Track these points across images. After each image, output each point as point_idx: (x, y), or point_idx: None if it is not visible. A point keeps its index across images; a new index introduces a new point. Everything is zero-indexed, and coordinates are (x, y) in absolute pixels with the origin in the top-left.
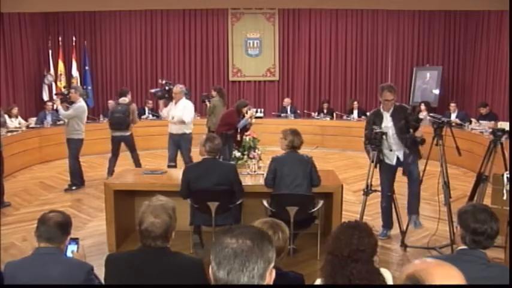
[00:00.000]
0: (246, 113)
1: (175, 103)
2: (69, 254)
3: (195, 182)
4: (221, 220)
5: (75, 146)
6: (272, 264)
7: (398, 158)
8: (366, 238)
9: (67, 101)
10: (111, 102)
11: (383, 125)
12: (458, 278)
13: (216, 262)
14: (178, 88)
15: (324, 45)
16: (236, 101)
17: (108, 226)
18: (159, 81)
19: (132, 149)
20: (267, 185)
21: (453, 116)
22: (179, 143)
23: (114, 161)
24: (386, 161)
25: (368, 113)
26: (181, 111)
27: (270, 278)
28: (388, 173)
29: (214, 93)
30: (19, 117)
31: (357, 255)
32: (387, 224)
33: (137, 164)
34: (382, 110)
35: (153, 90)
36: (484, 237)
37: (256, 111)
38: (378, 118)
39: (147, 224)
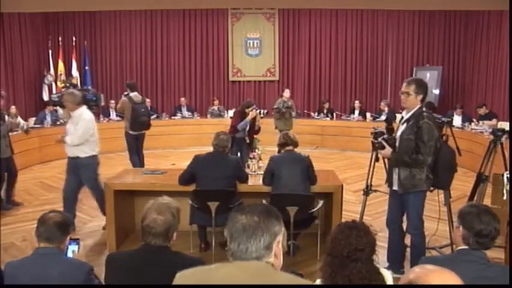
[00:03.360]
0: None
1: (71, 114)
2: (69, 254)
3: (204, 170)
4: (221, 220)
5: None
6: (279, 237)
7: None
8: (364, 237)
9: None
10: (124, 100)
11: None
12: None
13: (229, 235)
14: (67, 95)
15: (324, 45)
16: (236, 101)
17: (108, 226)
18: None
19: (141, 147)
20: (264, 184)
21: (459, 120)
22: (77, 171)
23: (137, 157)
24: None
25: (368, 113)
26: (72, 128)
27: (278, 248)
28: (391, 196)
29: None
30: (19, 117)
31: (356, 255)
32: (392, 260)
33: (142, 163)
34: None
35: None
36: (488, 239)
37: (260, 112)
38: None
39: (149, 220)
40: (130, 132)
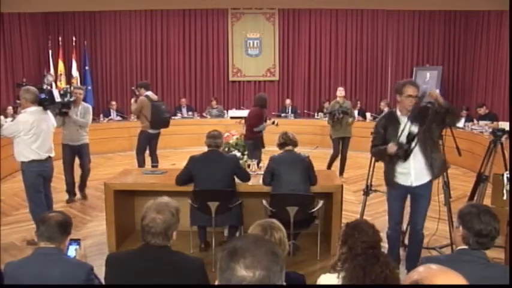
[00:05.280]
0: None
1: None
2: (71, 253)
3: (201, 171)
4: (221, 220)
5: (88, 150)
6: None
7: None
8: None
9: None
10: (143, 99)
11: (400, 131)
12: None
13: None
14: (22, 91)
15: (324, 45)
16: (236, 101)
17: (108, 226)
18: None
19: (155, 147)
20: (264, 183)
21: (462, 121)
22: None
23: (143, 158)
24: (399, 180)
25: (368, 114)
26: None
27: None
28: (397, 199)
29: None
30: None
31: (378, 248)
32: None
33: (156, 162)
34: (398, 113)
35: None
36: (488, 238)
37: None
38: (391, 123)
39: (148, 219)
40: (150, 131)
